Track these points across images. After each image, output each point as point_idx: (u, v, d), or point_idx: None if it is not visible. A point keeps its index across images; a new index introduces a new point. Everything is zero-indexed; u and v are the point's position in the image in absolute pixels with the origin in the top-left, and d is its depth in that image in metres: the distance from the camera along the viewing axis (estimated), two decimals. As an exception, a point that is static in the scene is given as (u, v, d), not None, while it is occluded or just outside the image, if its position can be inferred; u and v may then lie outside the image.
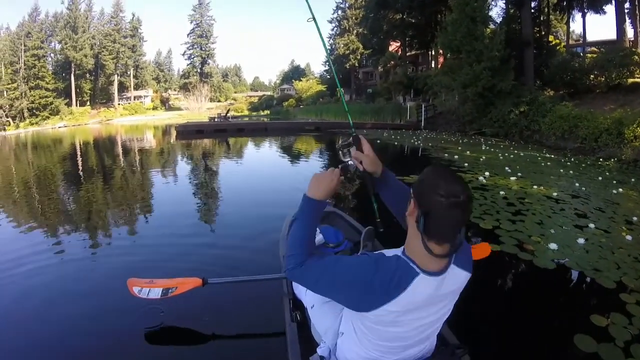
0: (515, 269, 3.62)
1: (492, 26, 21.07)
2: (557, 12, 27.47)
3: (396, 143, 16.27)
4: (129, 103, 64.80)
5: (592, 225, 4.58)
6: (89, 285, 3.26)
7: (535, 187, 6.77)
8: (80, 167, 11.74)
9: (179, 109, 66.37)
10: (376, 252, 1.30)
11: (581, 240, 4.00)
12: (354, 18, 47.39)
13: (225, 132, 23.05)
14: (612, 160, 11.13)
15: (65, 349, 2.42)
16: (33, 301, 2.99)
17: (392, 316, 1.22)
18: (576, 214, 5.22)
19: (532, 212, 5.18)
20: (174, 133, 23.80)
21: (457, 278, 1.28)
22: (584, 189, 6.92)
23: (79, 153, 16.87)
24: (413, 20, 31.68)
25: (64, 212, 6.12)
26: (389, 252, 1.28)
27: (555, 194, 6.26)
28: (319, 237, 3.01)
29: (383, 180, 1.51)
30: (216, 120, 30.60)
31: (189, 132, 23.05)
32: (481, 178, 7.41)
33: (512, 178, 7.48)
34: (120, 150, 17.44)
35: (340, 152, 1.53)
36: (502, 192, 6.16)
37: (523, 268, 3.57)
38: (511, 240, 4.12)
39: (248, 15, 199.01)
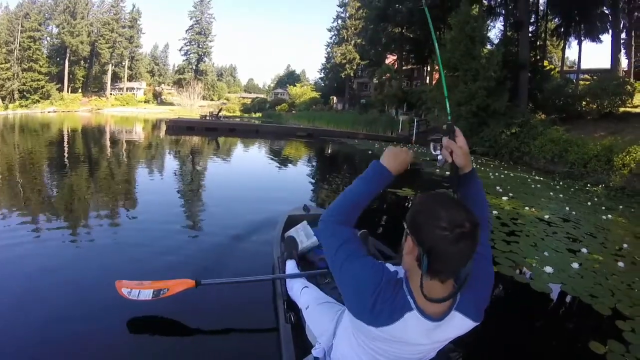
0: (511, 291, 3.54)
1: (489, 47, 21.31)
2: (554, 38, 27.94)
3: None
4: (121, 94, 64.29)
5: (584, 250, 4.56)
6: (74, 286, 3.08)
7: (527, 208, 6.76)
8: (67, 159, 11.40)
9: (171, 104, 65.83)
10: (392, 269, 1.21)
11: (575, 265, 3.96)
12: (353, 28, 47.72)
13: (216, 131, 22.90)
14: (600, 186, 11.20)
15: (51, 353, 2.28)
16: (11, 301, 2.81)
17: (380, 337, 1.16)
18: (568, 238, 5.20)
19: (526, 234, 5.14)
20: (164, 128, 23.51)
21: (459, 326, 1.17)
22: (574, 213, 6.93)
23: (66, 141, 16.52)
24: (411, 35, 31.98)
25: (48, 206, 5.79)
26: (402, 271, 1.19)
27: (547, 216, 6.25)
28: (313, 239, 3.06)
29: (467, 180, 1.35)
30: (208, 118, 30.33)
31: (179, 127, 22.86)
32: (473, 196, 7.35)
33: (504, 198, 7.47)
34: (108, 141, 17.18)
35: (431, 143, 1.38)
36: (495, 212, 6.14)
37: (519, 291, 3.49)
38: (507, 261, 4.06)
39: (248, 16, 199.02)
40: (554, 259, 4.20)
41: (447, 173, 1.39)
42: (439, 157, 1.34)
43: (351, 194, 1.32)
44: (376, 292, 1.11)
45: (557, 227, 5.76)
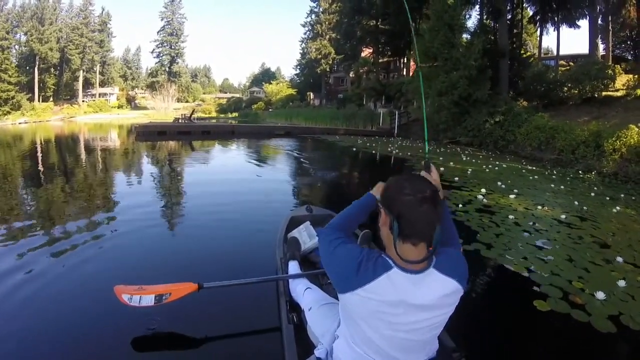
0: (568, 336, 2.84)
1: (468, 36, 21.06)
2: (532, 25, 27.93)
3: (373, 151, 15.88)
4: (94, 100, 62.34)
5: (619, 259, 4.03)
6: (71, 294, 3.01)
7: (539, 207, 6.29)
8: (53, 167, 10.94)
9: (145, 108, 64.24)
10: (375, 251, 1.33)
11: (622, 283, 3.39)
12: (327, 23, 47.14)
13: (189, 135, 21.89)
14: (593, 173, 10.97)
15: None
16: (7, 317, 2.68)
17: (369, 305, 1.21)
18: (596, 243, 4.67)
19: (555, 245, 4.58)
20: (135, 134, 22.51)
21: (441, 285, 1.23)
22: (585, 208, 6.49)
23: (43, 151, 15.56)
24: (387, 27, 31.60)
25: (36, 214, 5.55)
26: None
27: (563, 216, 5.77)
28: (316, 240, 2.97)
29: None
30: (180, 121, 29.15)
31: (150, 133, 21.45)
32: (480, 197, 6.88)
33: (511, 196, 6.98)
34: (83, 150, 16.32)
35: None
36: (510, 217, 5.57)
37: (579, 333, 2.80)
38: (556, 291, 3.32)
39: (220, 15, 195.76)
40: (597, 277, 3.62)
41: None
42: None
43: (345, 212, 1.55)
44: (359, 258, 1.24)
45: (578, 229, 5.24)
